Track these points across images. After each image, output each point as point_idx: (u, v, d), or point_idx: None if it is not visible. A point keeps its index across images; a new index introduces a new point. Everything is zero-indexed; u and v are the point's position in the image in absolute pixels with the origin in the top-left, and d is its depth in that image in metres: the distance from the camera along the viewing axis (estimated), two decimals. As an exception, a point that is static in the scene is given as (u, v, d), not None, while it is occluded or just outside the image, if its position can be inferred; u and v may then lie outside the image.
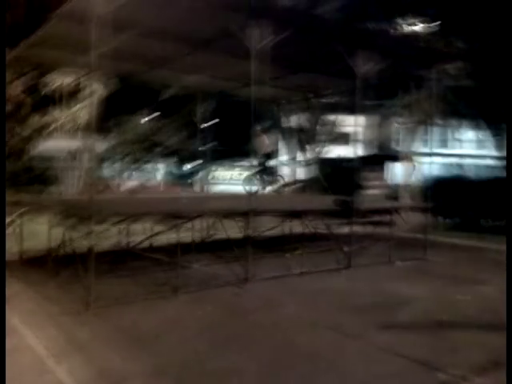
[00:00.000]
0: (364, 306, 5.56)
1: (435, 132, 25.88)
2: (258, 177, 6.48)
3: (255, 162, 12.00)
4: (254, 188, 6.49)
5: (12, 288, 5.93)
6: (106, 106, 14.50)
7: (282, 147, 18.23)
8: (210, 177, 25.92)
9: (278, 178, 18.23)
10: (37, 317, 4.84)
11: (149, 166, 22.05)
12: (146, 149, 19.96)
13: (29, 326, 4.51)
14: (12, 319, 4.76)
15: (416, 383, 3.53)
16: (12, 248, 7.21)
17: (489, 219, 13.48)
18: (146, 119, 20.69)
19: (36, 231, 7.62)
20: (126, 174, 20.41)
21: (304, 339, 4.43)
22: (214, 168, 27.00)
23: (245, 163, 28.81)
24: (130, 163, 20.05)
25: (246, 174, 28.74)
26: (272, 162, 28.18)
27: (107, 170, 20.76)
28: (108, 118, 16.14)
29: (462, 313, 5.45)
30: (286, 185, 23.36)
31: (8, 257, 6.71)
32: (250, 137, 7.81)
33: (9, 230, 7.32)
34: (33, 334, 4.31)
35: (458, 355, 4.12)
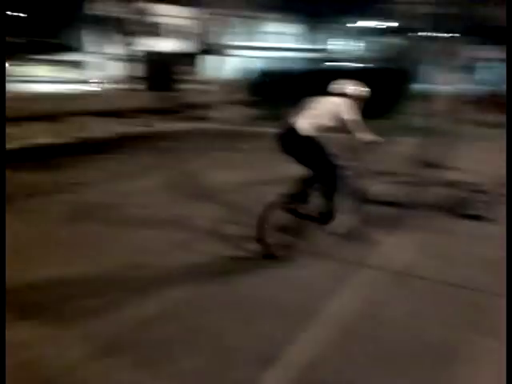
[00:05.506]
0: (194, 194, 6.08)
1: (245, 25, 26.33)
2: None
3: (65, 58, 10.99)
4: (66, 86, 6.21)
5: None
6: None
7: (89, 38, 16.79)
8: (15, 74, 22.70)
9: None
10: None
11: None
12: None
13: None
14: None
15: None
16: None
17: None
18: None
19: None
20: None
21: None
22: (20, 63, 23.56)
23: (55, 58, 25.60)
24: None
25: (57, 70, 25.93)
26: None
27: None
28: None
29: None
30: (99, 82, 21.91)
31: None
32: (60, 29, 7.23)
33: None
34: None
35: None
